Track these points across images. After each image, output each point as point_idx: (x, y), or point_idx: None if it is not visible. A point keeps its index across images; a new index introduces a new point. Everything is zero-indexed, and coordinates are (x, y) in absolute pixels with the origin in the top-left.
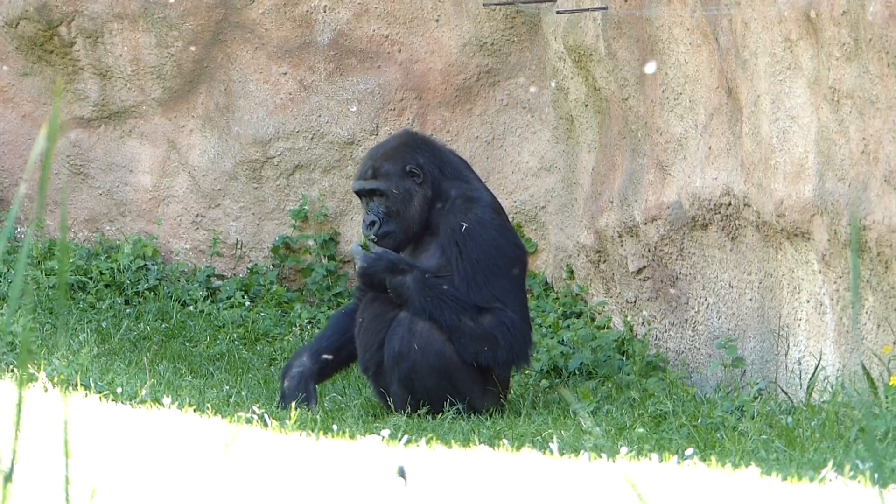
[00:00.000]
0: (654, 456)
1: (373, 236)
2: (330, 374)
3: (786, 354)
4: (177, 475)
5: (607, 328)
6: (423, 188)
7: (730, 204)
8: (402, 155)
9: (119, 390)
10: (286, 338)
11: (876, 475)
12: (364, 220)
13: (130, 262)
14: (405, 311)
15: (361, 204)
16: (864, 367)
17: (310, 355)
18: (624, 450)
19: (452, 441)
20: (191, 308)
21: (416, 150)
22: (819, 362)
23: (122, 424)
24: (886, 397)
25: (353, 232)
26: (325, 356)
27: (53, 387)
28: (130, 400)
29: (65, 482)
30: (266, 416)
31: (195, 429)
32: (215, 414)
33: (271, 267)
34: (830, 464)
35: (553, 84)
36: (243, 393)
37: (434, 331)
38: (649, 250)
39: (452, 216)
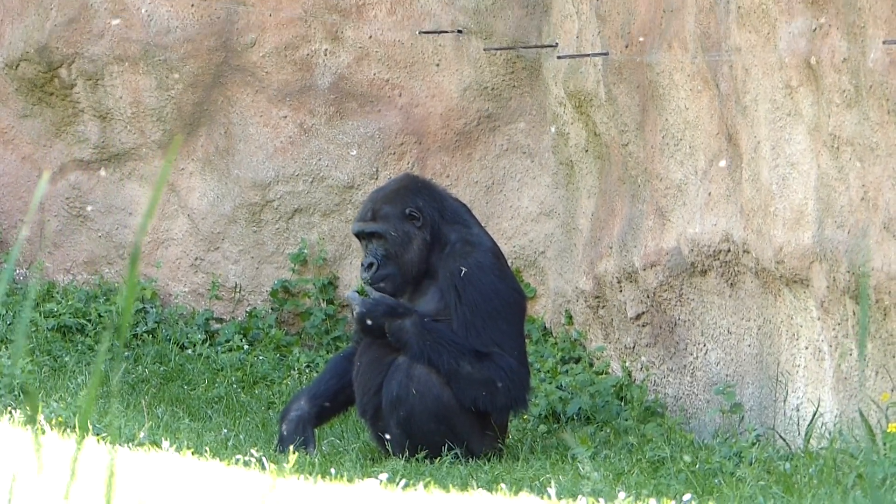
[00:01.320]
0: (652, 501)
1: (370, 278)
2: (328, 418)
3: (784, 401)
4: None
5: (606, 373)
6: (422, 231)
7: (729, 250)
8: (402, 198)
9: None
10: (284, 381)
11: None
12: (362, 263)
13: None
14: (403, 355)
15: (361, 246)
16: (861, 414)
17: (308, 399)
18: (622, 495)
19: (450, 485)
20: (189, 351)
21: (416, 193)
22: (817, 409)
23: (121, 467)
24: (884, 444)
25: (353, 276)
26: (323, 401)
27: (51, 429)
28: (128, 442)
29: None
30: (264, 459)
31: (194, 472)
32: (213, 457)
33: (270, 310)
34: None
35: (553, 129)
36: (241, 436)
37: (432, 375)
38: (648, 296)
39: (452, 260)
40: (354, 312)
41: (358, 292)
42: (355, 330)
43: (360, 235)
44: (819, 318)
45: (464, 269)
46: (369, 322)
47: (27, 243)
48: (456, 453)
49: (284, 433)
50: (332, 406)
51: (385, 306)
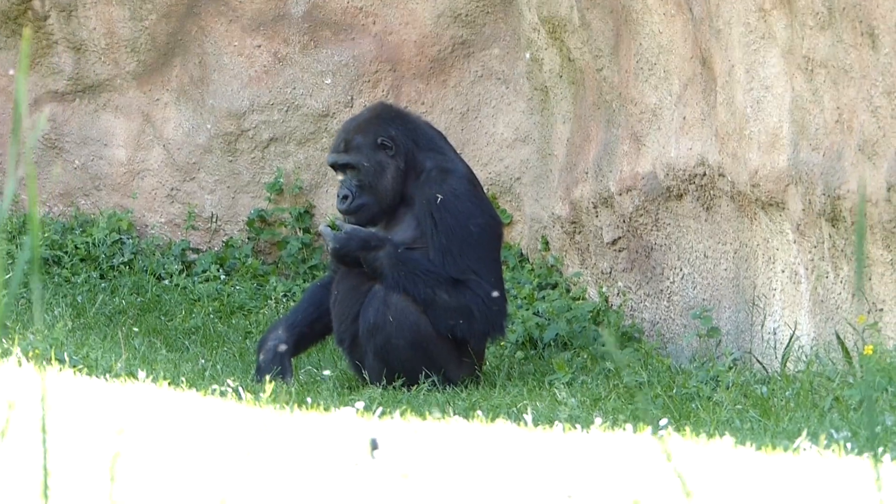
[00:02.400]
0: (629, 426)
1: (345, 209)
2: (305, 347)
3: (761, 325)
4: (151, 448)
5: (582, 299)
6: (395, 160)
7: (704, 174)
8: (374, 127)
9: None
10: (261, 311)
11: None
12: (338, 194)
13: (106, 237)
14: (380, 284)
15: (337, 177)
16: (838, 337)
17: (285, 328)
18: (598, 420)
19: (427, 413)
20: (166, 282)
21: (389, 122)
22: (794, 332)
23: (98, 399)
24: (861, 367)
25: (329, 205)
26: (300, 330)
27: (28, 361)
28: (105, 374)
29: (44, 457)
30: (241, 389)
31: (170, 402)
32: (190, 387)
33: (246, 240)
34: (805, 433)
35: (527, 55)
36: (218, 366)
37: (409, 303)
38: (624, 221)
39: (427, 188)
40: (328, 248)
41: (330, 226)
42: (330, 262)
43: (334, 167)
44: (795, 241)
45: (439, 197)
46: (343, 258)
47: (1, 174)
48: (433, 381)
49: (261, 363)
50: (309, 335)
51: (358, 240)
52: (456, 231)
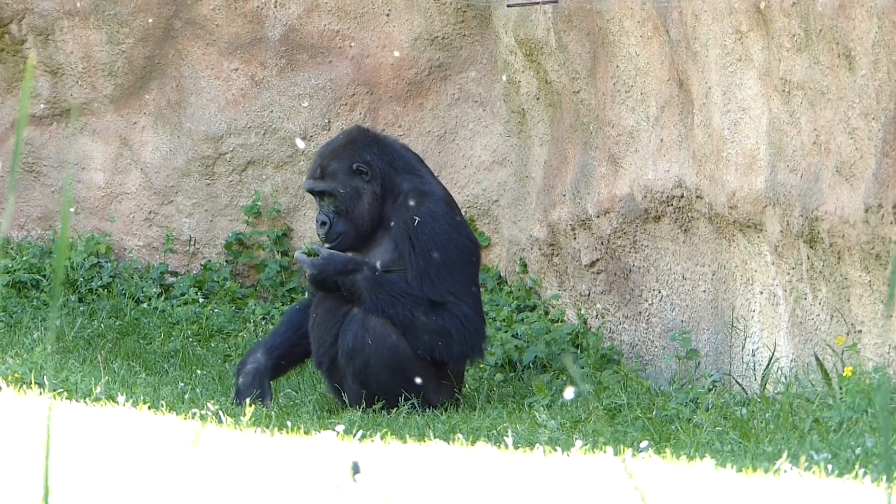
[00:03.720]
0: (609, 449)
1: (324, 236)
2: (285, 371)
3: (741, 347)
4: (133, 473)
5: (561, 321)
6: (371, 185)
7: (682, 196)
8: (349, 153)
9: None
10: (240, 334)
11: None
12: (317, 220)
13: (84, 260)
14: (358, 307)
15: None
16: (817, 359)
17: (264, 352)
18: (579, 443)
19: (407, 436)
20: (144, 305)
21: (364, 146)
22: (773, 353)
23: (77, 423)
24: (840, 388)
25: (307, 227)
26: (279, 353)
27: (7, 385)
28: (85, 398)
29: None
30: (221, 412)
31: (151, 427)
32: (170, 411)
33: (225, 263)
34: (785, 455)
35: (504, 78)
36: (198, 390)
37: (387, 326)
38: (602, 243)
39: (405, 210)
40: (306, 274)
41: (306, 252)
42: (308, 287)
43: (311, 193)
44: (773, 263)
45: (417, 219)
46: (321, 284)
47: None
48: (413, 403)
49: (241, 386)
50: (288, 358)
51: (335, 264)
52: (433, 253)
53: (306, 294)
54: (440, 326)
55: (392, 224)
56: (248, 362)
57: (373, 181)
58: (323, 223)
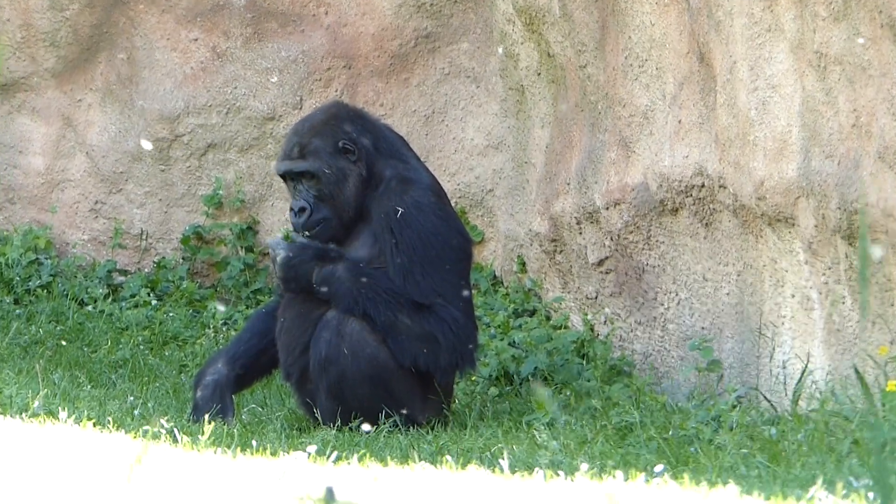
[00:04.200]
0: (619, 473)
1: (303, 224)
2: (249, 383)
3: (769, 357)
4: (74, 499)
5: (564, 328)
6: (357, 167)
7: (703, 185)
8: (333, 129)
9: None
10: (198, 341)
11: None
12: (292, 208)
13: (20, 256)
14: (334, 308)
15: (287, 188)
16: (857, 371)
17: (226, 361)
18: (584, 466)
19: (389, 458)
20: (90, 308)
21: (349, 122)
22: (806, 365)
23: (11, 441)
24: (883, 404)
25: (275, 220)
26: (243, 363)
27: None
28: (21, 413)
29: None
30: (176, 430)
31: (95, 446)
32: (118, 428)
33: (181, 260)
34: (820, 481)
35: (501, 50)
36: (150, 404)
37: (366, 332)
38: (612, 239)
39: (387, 199)
40: (277, 259)
41: (283, 238)
42: (278, 282)
43: (286, 176)
44: (806, 262)
45: (400, 210)
46: (294, 270)
47: None
48: (395, 421)
49: (199, 400)
50: (253, 369)
51: (313, 250)
52: (418, 249)
53: (274, 296)
54: (426, 332)
55: (372, 215)
56: (207, 373)
57: (359, 162)
58: (302, 209)
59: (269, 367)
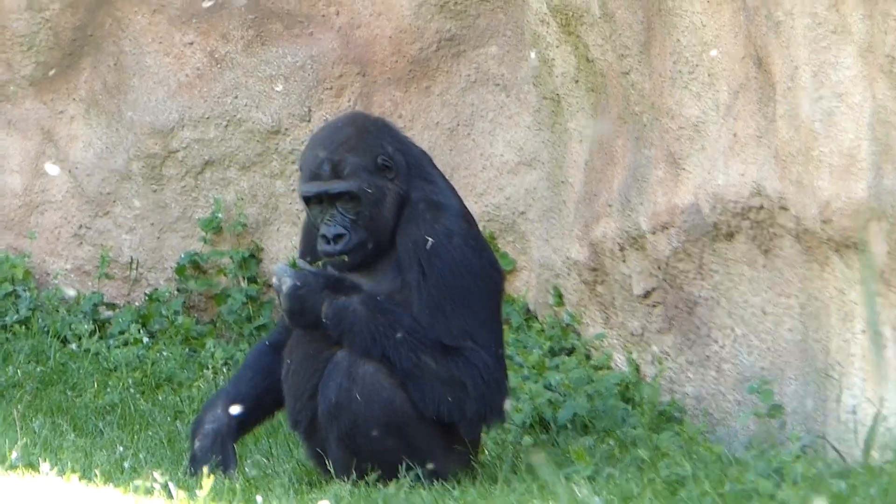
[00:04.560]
0: None
1: (340, 251)
2: (252, 427)
3: (836, 401)
4: None
5: (607, 368)
6: (395, 185)
7: (761, 207)
8: (368, 144)
9: None
10: (195, 384)
11: None
12: (324, 235)
13: None
14: (346, 346)
15: (310, 212)
16: None
17: (226, 406)
18: None
19: None
20: (73, 346)
21: (381, 135)
22: (879, 411)
23: None
24: None
25: (281, 247)
26: (245, 405)
27: None
28: None
29: None
30: (171, 484)
31: (81, 502)
32: (106, 482)
33: (176, 292)
34: None
35: (533, 55)
36: (142, 455)
37: (381, 375)
38: (659, 267)
39: (414, 226)
40: (283, 288)
41: (290, 265)
42: (283, 315)
43: (319, 198)
44: (878, 294)
45: (430, 240)
46: (302, 301)
47: None
48: (416, 474)
49: (197, 451)
50: (256, 411)
51: (324, 279)
52: (450, 283)
53: (277, 328)
54: (453, 377)
55: (397, 242)
56: (205, 420)
57: (396, 180)
58: (338, 236)
59: (274, 408)
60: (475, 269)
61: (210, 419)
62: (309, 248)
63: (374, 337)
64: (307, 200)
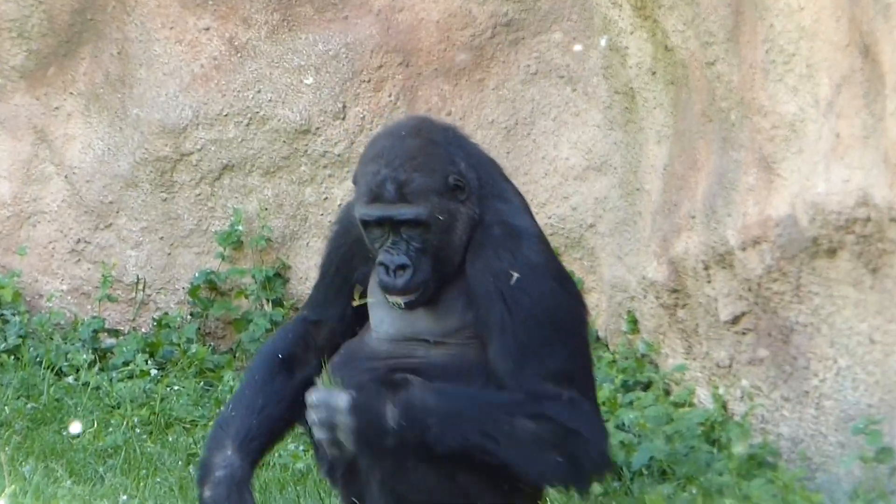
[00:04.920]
0: None
1: (403, 287)
2: (262, 457)
3: None
4: None
5: (689, 405)
6: (467, 208)
7: (868, 219)
8: (438, 160)
9: None
10: (210, 423)
11: None
12: (384, 263)
13: None
14: (435, 447)
15: (366, 234)
16: None
17: (237, 445)
18: None
19: None
20: (70, 379)
21: (452, 147)
22: None
23: None
24: None
25: (311, 264)
26: (258, 444)
27: None
28: None
29: None
30: None
31: None
32: None
33: (188, 317)
34: None
35: (604, 42)
36: None
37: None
38: (750, 289)
39: (494, 257)
40: (339, 406)
41: (322, 382)
42: (346, 442)
43: (382, 223)
44: None
45: (515, 275)
46: (366, 414)
47: None
48: None
49: (210, 502)
50: (269, 446)
51: (376, 381)
52: (541, 321)
53: (284, 331)
54: (555, 433)
55: (467, 271)
56: (214, 465)
57: (468, 202)
58: (402, 266)
59: (286, 434)
60: (564, 304)
61: (221, 464)
62: (343, 267)
63: (458, 423)
64: (365, 224)
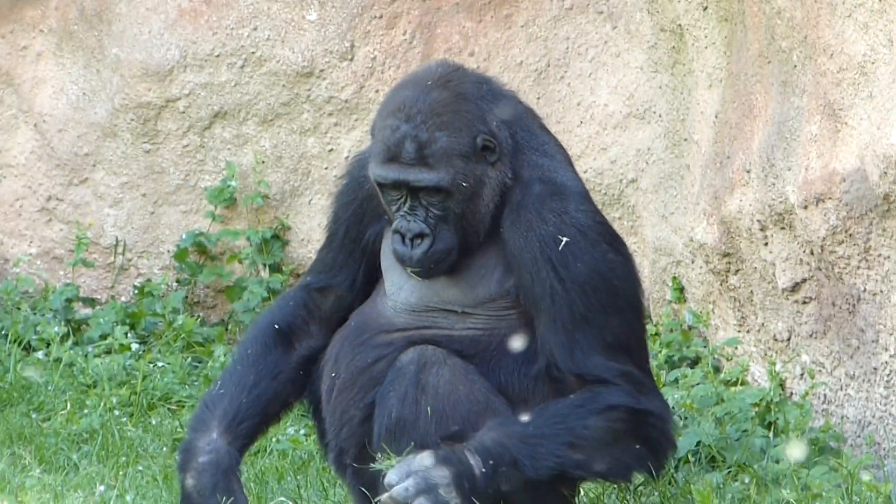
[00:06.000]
0: None
1: (421, 259)
2: (254, 442)
3: None
4: None
5: (741, 383)
6: (497, 170)
7: None
8: (466, 117)
9: None
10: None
11: None
12: (400, 231)
13: None
14: (530, 475)
15: (382, 194)
16: None
17: (224, 427)
18: None
19: None
20: (40, 354)
21: (482, 103)
22: None
23: None
24: None
25: (314, 224)
26: (248, 424)
27: None
28: None
29: None
30: None
31: None
32: None
33: (174, 285)
34: None
35: None
36: (129, 497)
37: (458, 381)
38: (812, 252)
39: (534, 216)
40: (440, 485)
41: (385, 465)
42: None
43: (397, 186)
44: None
45: (564, 239)
46: (460, 483)
47: None
48: None
49: (192, 491)
50: (260, 429)
51: (455, 459)
52: (596, 289)
53: (285, 298)
54: (635, 418)
55: (504, 235)
56: (198, 449)
57: (499, 163)
58: (420, 235)
59: (281, 415)
60: (619, 269)
61: (204, 448)
62: (353, 227)
63: (537, 446)
64: (381, 186)
